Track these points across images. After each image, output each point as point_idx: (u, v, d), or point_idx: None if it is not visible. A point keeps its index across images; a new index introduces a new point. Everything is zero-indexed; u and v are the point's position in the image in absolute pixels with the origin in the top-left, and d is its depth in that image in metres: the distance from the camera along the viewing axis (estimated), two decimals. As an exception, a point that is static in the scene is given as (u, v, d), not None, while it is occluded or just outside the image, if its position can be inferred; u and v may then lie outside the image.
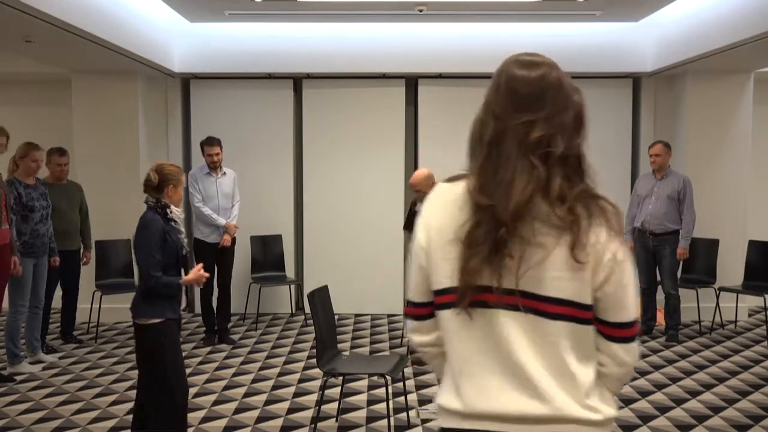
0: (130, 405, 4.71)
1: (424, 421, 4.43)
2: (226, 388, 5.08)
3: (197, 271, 3.65)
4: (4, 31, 5.12)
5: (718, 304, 6.72)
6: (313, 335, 5.91)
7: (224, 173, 6.42)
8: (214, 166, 6.31)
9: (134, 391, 4.98)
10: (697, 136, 7.10)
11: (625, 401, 4.75)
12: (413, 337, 1.68)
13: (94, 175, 7.03)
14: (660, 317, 6.73)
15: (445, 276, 1.53)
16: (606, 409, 1.53)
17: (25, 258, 5.33)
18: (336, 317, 5.21)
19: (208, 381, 5.26)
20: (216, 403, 4.78)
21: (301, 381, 5.26)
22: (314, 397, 4.86)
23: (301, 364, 5.69)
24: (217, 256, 6.33)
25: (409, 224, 6.03)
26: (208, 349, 6.17)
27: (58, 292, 6.19)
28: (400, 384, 4.88)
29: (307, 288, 5.47)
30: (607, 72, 7.16)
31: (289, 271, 7.49)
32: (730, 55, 6.08)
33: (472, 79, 7.31)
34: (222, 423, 4.38)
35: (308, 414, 4.54)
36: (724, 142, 7.13)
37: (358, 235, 7.55)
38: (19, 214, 5.33)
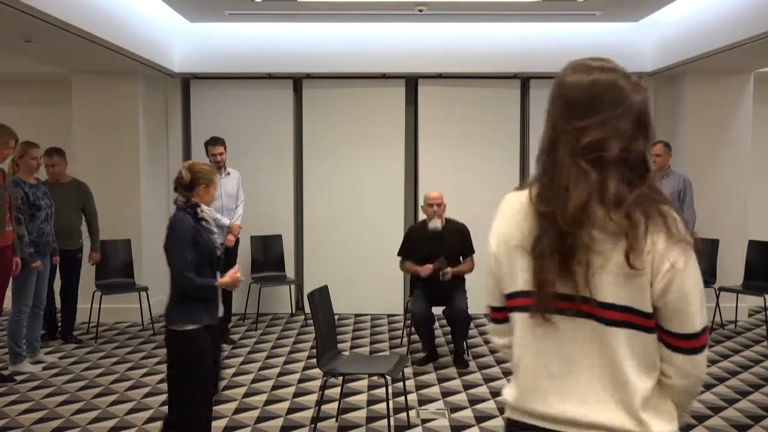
0: (130, 405, 4.71)
1: (424, 421, 4.43)
2: (227, 388, 5.08)
3: (234, 273, 3.47)
4: (4, 31, 5.12)
5: (718, 304, 6.72)
6: (313, 335, 5.91)
7: (228, 173, 6.41)
8: (218, 166, 6.29)
9: (134, 391, 4.99)
10: (697, 136, 7.10)
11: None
12: (493, 338, 1.75)
13: (94, 175, 7.02)
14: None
15: (514, 281, 1.57)
16: (659, 424, 1.48)
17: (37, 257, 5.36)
18: (336, 317, 5.21)
19: (208, 381, 5.25)
20: (216, 402, 4.77)
21: (301, 381, 5.26)
22: (314, 397, 4.86)
23: (301, 364, 5.69)
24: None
25: (404, 251, 5.91)
26: (208, 349, 6.16)
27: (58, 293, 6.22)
28: (400, 384, 4.89)
29: (307, 288, 5.47)
30: (607, 72, 7.15)
31: (289, 271, 7.49)
32: (730, 55, 6.08)
33: (472, 79, 7.33)
34: (222, 423, 4.38)
35: (308, 414, 4.54)
36: (724, 142, 7.13)
37: (358, 236, 7.55)
38: (26, 214, 5.34)
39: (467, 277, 5.79)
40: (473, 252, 5.77)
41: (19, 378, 5.27)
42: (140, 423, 4.38)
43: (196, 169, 3.49)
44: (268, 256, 7.29)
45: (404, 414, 4.49)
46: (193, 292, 3.34)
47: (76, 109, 7.12)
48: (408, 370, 5.43)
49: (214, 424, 4.36)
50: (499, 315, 1.68)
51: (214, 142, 6.31)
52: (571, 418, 1.49)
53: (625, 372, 1.46)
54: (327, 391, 4.82)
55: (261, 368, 5.58)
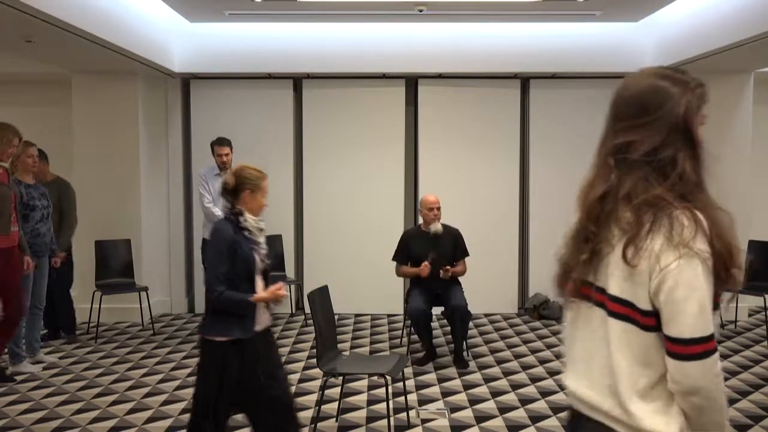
0: (130, 405, 4.71)
1: (424, 421, 4.43)
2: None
3: (277, 289, 3.22)
4: (4, 31, 5.12)
5: (718, 304, 6.71)
6: (313, 335, 5.91)
7: None
8: (223, 167, 6.28)
9: (134, 391, 4.99)
10: (697, 136, 7.09)
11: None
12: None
13: (93, 175, 7.04)
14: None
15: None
16: (648, 419, 1.49)
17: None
18: (336, 317, 5.21)
19: (208, 381, 5.25)
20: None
21: (301, 381, 5.26)
22: (314, 397, 4.86)
23: (301, 364, 5.69)
24: None
25: (399, 256, 5.89)
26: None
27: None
28: (400, 384, 4.88)
29: (307, 288, 5.46)
30: (607, 72, 7.15)
31: (289, 271, 7.48)
32: (730, 55, 6.08)
33: (472, 79, 7.33)
34: (222, 423, 4.38)
35: (308, 414, 4.54)
36: (724, 143, 7.12)
37: (358, 236, 7.55)
38: (20, 214, 5.33)
39: (461, 279, 5.85)
40: (467, 255, 5.85)
41: (19, 378, 5.27)
42: (140, 423, 4.38)
43: (243, 173, 3.24)
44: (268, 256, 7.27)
45: (404, 414, 4.49)
46: (220, 305, 3.15)
47: (76, 109, 7.12)
48: (408, 370, 5.43)
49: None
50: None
51: (221, 142, 6.32)
52: (586, 400, 1.62)
53: (619, 363, 1.54)
54: (327, 391, 4.83)
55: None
